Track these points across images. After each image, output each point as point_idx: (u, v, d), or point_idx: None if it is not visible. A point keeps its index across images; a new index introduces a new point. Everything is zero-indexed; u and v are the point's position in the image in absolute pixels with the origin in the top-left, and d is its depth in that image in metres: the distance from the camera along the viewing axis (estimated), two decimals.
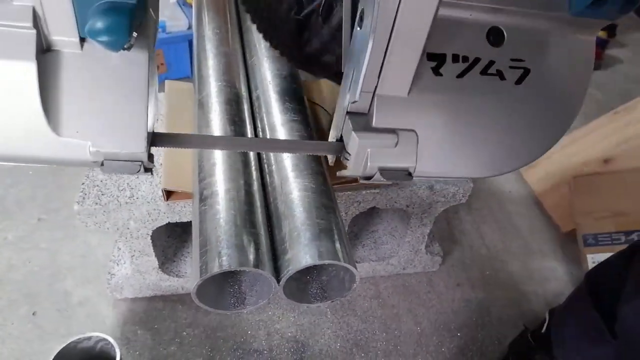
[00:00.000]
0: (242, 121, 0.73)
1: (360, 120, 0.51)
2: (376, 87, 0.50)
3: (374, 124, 0.51)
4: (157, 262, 0.82)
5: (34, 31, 0.39)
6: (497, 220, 1.13)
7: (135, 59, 0.42)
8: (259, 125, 0.75)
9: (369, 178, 0.53)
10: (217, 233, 0.55)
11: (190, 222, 0.62)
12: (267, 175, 0.68)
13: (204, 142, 0.51)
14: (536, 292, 0.98)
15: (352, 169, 0.51)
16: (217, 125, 0.69)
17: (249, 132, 0.72)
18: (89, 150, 0.43)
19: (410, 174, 0.52)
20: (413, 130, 0.52)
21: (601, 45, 1.79)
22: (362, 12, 0.47)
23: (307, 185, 0.62)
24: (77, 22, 0.40)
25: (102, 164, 0.43)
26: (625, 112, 1.18)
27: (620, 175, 1.07)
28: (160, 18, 1.29)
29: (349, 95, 0.51)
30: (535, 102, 0.55)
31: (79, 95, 0.42)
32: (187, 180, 0.70)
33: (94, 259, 0.96)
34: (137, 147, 0.43)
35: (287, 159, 0.66)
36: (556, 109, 0.56)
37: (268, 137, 0.71)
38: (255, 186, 0.65)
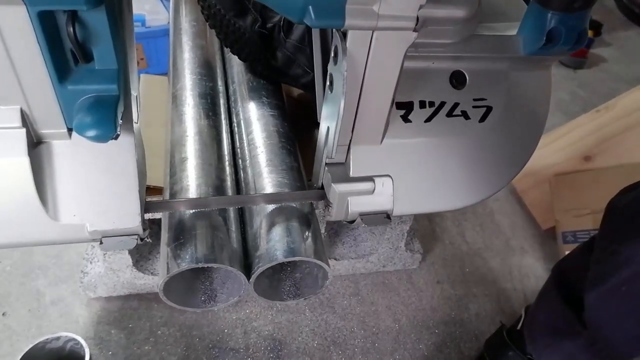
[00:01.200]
0: (217, 115, 0.71)
1: (339, 170, 0.55)
2: (350, 140, 0.53)
3: (351, 174, 0.54)
4: (131, 260, 0.80)
5: (23, 130, 0.42)
6: (479, 217, 1.13)
7: (121, 142, 0.45)
8: (234, 120, 0.74)
9: (352, 222, 0.57)
10: (186, 228, 0.53)
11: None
12: (241, 171, 0.67)
13: (196, 203, 0.54)
14: (515, 289, 0.98)
15: (335, 215, 0.55)
16: (190, 118, 0.67)
17: (224, 127, 0.71)
18: (87, 230, 0.46)
19: (388, 216, 0.55)
20: (388, 175, 0.55)
21: (586, 44, 1.80)
22: (331, 76, 0.49)
23: (281, 181, 0.61)
24: (64, 116, 0.42)
25: (100, 242, 0.47)
26: (606, 110, 1.19)
27: (600, 173, 1.08)
28: (140, 12, 1.27)
29: (326, 151, 0.54)
30: (499, 135, 0.59)
31: (73, 180, 0.45)
32: (158, 176, 0.69)
33: (67, 258, 0.93)
34: (132, 222, 0.46)
35: (262, 154, 0.65)
36: (519, 138, 0.60)
37: (243, 131, 0.70)
38: (229, 182, 0.63)
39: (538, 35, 0.52)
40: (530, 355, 0.72)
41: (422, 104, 0.56)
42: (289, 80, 0.76)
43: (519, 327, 0.77)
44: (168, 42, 1.15)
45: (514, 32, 0.55)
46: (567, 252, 1.01)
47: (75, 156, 0.45)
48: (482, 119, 0.58)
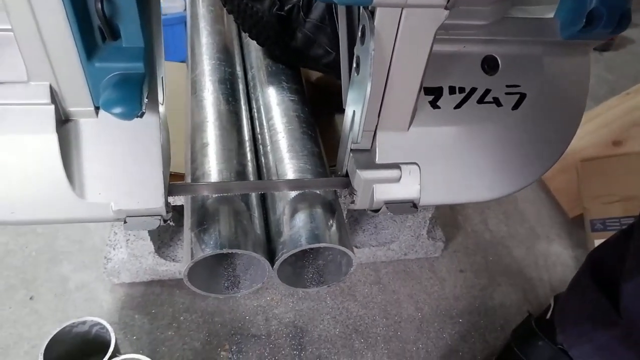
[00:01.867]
0: (237, 100, 0.70)
1: (364, 157, 0.53)
2: (377, 125, 0.51)
3: (377, 160, 0.52)
4: (152, 247, 0.80)
5: (52, 106, 0.42)
6: (502, 205, 1.10)
7: (146, 121, 0.45)
8: (254, 106, 0.73)
9: (376, 211, 0.55)
10: (209, 214, 0.53)
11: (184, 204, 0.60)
12: (262, 157, 0.66)
13: (219, 187, 0.53)
14: (541, 278, 0.96)
15: (360, 203, 0.53)
16: (210, 104, 0.67)
17: (244, 112, 0.70)
18: (111, 209, 0.46)
19: (415, 206, 0.53)
20: (415, 163, 0.53)
21: None
22: (358, 59, 0.47)
23: (302, 166, 0.60)
24: (91, 94, 0.42)
25: (125, 222, 0.47)
26: (636, 94, 1.14)
27: (630, 159, 1.04)
28: None
29: (351, 136, 0.52)
30: (533, 124, 0.56)
31: (99, 159, 0.45)
32: (179, 161, 0.68)
33: (91, 243, 0.95)
34: (156, 203, 0.46)
35: (283, 140, 0.64)
36: (554, 128, 0.57)
37: (263, 116, 0.69)
38: (250, 167, 0.63)
39: (577, 17, 0.49)
40: (561, 345, 0.70)
41: (452, 90, 0.54)
42: (309, 62, 0.74)
43: (548, 316, 0.75)
44: (185, 28, 1.14)
45: (550, 14, 0.52)
46: (595, 241, 0.98)
47: (101, 135, 0.45)
48: (515, 106, 0.55)
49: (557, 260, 1.00)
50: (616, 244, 0.65)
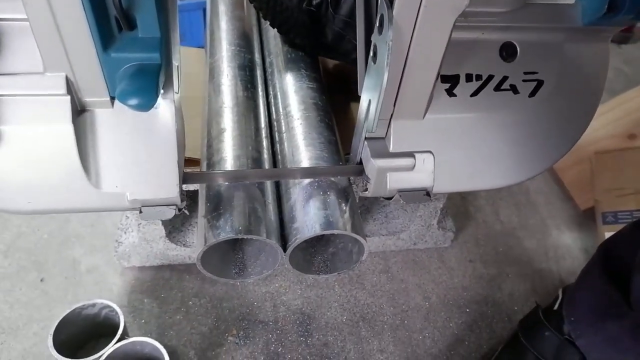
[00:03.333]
0: (255, 87, 0.70)
1: (378, 145, 0.53)
2: (392, 114, 0.50)
3: (391, 149, 0.52)
4: (164, 231, 0.81)
5: (68, 97, 0.42)
6: (514, 196, 1.09)
7: (161, 112, 0.45)
8: (271, 92, 0.72)
9: (389, 199, 0.55)
10: (224, 199, 0.53)
11: (197, 190, 0.60)
12: (277, 144, 0.66)
13: (234, 175, 0.53)
14: (550, 269, 0.96)
15: (372, 191, 0.53)
16: (228, 90, 0.66)
17: (261, 99, 0.69)
18: (127, 199, 0.46)
19: (428, 194, 0.53)
20: (430, 152, 0.52)
21: None
22: (375, 47, 0.46)
23: (319, 154, 0.60)
24: (107, 84, 0.42)
25: (140, 211, 0.47)
26: None
27: None
28: None
29: (366, 125, 0.51)
30: (549, 111, 0.55)
31: (114, 149, 0.45)
32: (194, 146, 0.68)
33: (102, 227, 0.95)
34: (171, 192, 0.47)
35: (299, 127, 0.63)
36: (570, 115, 0.56)
37: (280, 103, 0.68)
38: (266, 154, 0.62)
39: (599, 2, 0.48)
40: (568, 336, 0.70)
41: (469, 77, 0.53)
42: (338, 57, 0.74)
43: (555, 307, 0.75)
44: (203, 15, 1.13)
45: (571, 0, 0.51)
46: (606, 233, 0.97)
47: (117, 125, 0.45)
48: (532, 93, 0.55)
49: (566, 252, 0.99)
50: (628, 236, 0.65)
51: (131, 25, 0.39)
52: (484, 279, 0.93)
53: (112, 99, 0.44)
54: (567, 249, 1.00)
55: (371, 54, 0.48)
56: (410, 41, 0.44)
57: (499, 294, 0.90)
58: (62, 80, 0.41)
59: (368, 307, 0.86)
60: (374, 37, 0.47)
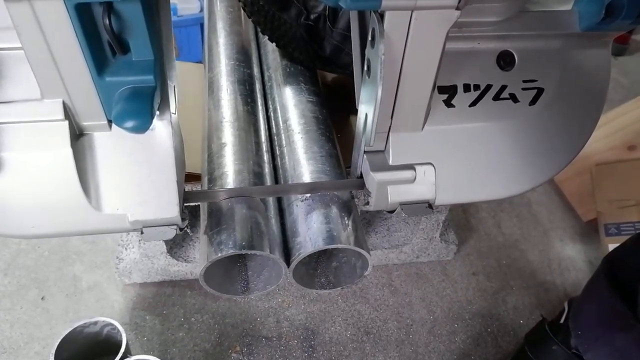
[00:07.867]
0: (254, 101, 0.70)
1: (378, 159, 0.52)
2: (390, 127, 0.50)
3: (391, 162, 0.52)
4: (165, 247, 0.80)
5: (66, 122, 0.43)
6: (515, 208, 1.09)
7: (159, 133, 0.46)
8: (270, 106, 0.73)
9: (392, 212, 0.54)
10: (227, 215, 0.53)
11: (199, 205, 0.60)
12: (279, 158, 0.66)
13: (236, 193, 0.53)
14: (554, 282, 0.95)
15: (374, 204, 0.53)
16: (227, 104, 0.66)
17: (261, 113, 0.70)
18: (128, 220, 0.46)
19: (430, 206, 0.53)
20: (430, 163, 0.52)
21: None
22: (369, 61, 0.47)
23: (320, 168, 0.60)
24: (103, 108, 0.43)
25: (141, 232, 0.47)
26: None
27: None
28: (172, 1, 1.28)
29: (364, 138, 0.51)
30: (551, 119, 0.55)
31: (114, 171, 0.46)
32: (194, 162, 0.68)
33: (103, 244, 0.95)
34: (171, 212, 0.47)
35: (300, 141, 0.64)
36: (572, 123, 0.56)
37: (279, 117, 0.69)
38: (267, 169, 0.62)
39: (596, 8, 0.48)
40: (576, 350, 0.69)
41: (467, 88, 0.53)
42: (337, 69, 0.75)
43: (562, 320, 0.74)
44: (200, 30, 1.15)
45: (568, 6, 0.51)
46: (609, 245, 0.97)
47: (115, 147, 0.46)
48: (532, 101, 0.54)
49: (570, 265, 0.99)
50: (633, 248, 0.65)
51: (124, 49, 0.39)
52: (488, 292, 0.92)
53: (110, 122, 0.44)
54: (571, 261, 0.99)
55: (365, 68, 0.48)
56: (403, 54, 0.44)
57: (503, 307, 0.90)
58: (60, 106, 0.42)
59: (372, 322, 0.85)
60: (367, 51, 0.47)
